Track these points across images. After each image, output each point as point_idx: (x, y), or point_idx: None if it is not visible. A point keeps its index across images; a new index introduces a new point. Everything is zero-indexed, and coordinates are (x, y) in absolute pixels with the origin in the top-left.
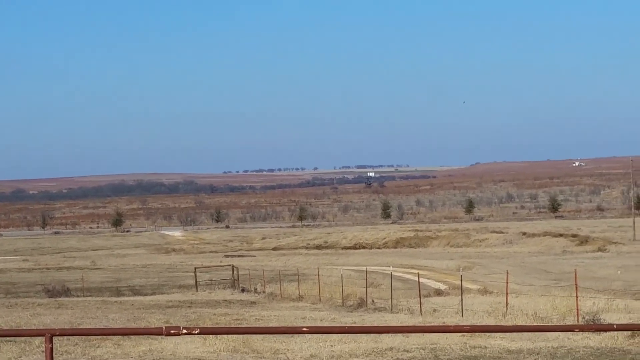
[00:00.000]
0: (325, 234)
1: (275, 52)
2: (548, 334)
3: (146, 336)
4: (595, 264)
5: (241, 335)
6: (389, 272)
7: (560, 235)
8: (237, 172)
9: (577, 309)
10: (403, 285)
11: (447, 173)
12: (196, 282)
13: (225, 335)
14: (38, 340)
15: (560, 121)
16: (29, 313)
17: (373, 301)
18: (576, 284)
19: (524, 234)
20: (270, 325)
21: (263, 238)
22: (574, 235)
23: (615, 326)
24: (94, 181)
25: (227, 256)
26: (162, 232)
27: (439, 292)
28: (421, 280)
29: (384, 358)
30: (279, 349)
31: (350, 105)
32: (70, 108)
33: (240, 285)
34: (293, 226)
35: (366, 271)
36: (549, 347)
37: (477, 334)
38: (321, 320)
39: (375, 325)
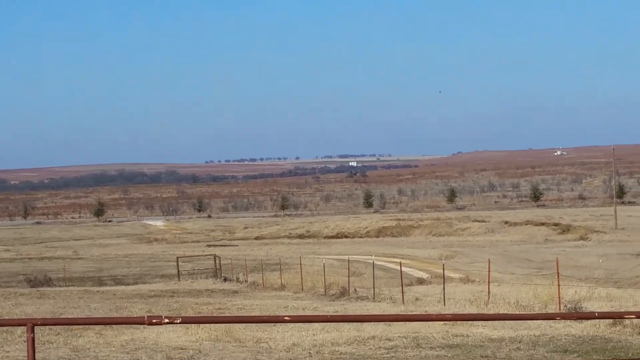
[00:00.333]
0: (308, 223)
1: (256, 42)
2: (530, 322)
3: (128, 326)
4: (577, 253)
5: (223, 325)
6: (371, 261)
7: (542, 224)
8: (219, 161)
9: (559, 298)
10: (385, 274)
11: (429, 162)
12: (178, 271)
13: (207, 325)
14: (20, 330)
15: (542, 110)
16: (10, 303)
17: (355, 290)
18: (558, 273)
19: (506, 222)
20: (253, 314)
21: (245, 227)
22: (556, 224)
23: (596, 314)
24: (76, 171)
25: (209, 246)
26: (144, 221)
27: (421, 281)
28: (403, 269)
29: (367, 347)
30: (261, 337)
31: (332, 95)
32: (52, 98)
33: (223, 274)
34: (275, 215)
35: (348, 260)
36: (530, 335)
37: (459, 322)
38: (303, 309)
39: (358, 314)
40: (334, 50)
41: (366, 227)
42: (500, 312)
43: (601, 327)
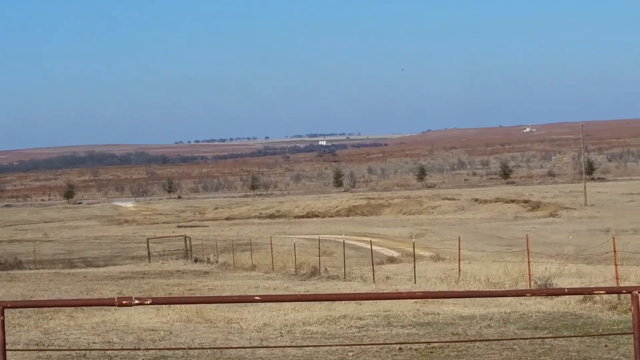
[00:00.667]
0: (278, 203)
1: (225, 20)
2: (500, 299)
3: (99, 308)
4: (547, 229)
5: (194, 305)
6: (342, 241)
7: (512, 201)
8: (189, 142)
9: (529, 274)
10: (356, 253)
11: (399, 141)
12: (149, 253)
13: (178, 306)
14: None
15: (511, 88)
16: None
17: (326, 269)
18: (528, 250)
19: (476, 200)
20: (224, 295)
21: (215, 208)
22: (526, 201)
23: (566, 290)
24: (45, 153)
25: (179, 227)
26: (114, 203)
27: (391, 260)
28: (374, 248)
29: (338, 326)
30: (232, 318)
31: (301, 74)
32: (19, 80)
33: (193, 255)
34: (245, 196)
35: (319, 240)
36: (501, 312)
37: (430, 300)
38: (274, 289)
39: (329, 293)
40: (301, 28)
41: (336, 207)
42: (471, 290)
43: (571, 304)
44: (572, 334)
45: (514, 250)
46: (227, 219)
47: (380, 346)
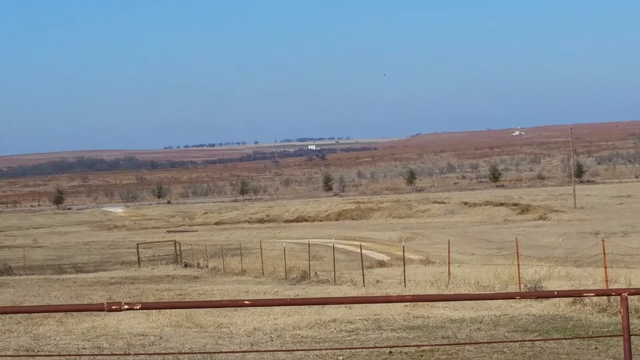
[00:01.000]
0: (268, 207)
1: (213, 25)
2: (490, 302)
3: (89, 313)
4: (537, 232)
5: (184, 310)
6: (332, 245)
7: (502, 204)
8: (178, 147)
9: (519, 277)
10: (346, 257)
11: (388, 145)
12: (139, 258)
13: (168, 310)
14: None
15: (500, 91)
16: None
17: (316, 274)
18: (518, 253)
19: (466, 204)
20: (214, 299)
21: (205, 213)
22: (515, 204)
23: (556, 293)
24: (34, 159)
25: (169, 232)
26: (103, 208)
27: (381, 264)
28: (364, 251)
29: (328, 330)
30: (222, 323)
31: (290, 79)
32: (8, 86)
33: (183, 260)
34: (235, 200)
35: (309, 244)
36: (491, 315)
37: (420, 304)
38: (264, 293)
39: (319, 297)
40: (290, 33)
41: (326, 211)
42: (461, 293)
43: (561, 306)
44: (562, 337)
45: (504, 253)
46: (216, 223)
47: (371, 350)
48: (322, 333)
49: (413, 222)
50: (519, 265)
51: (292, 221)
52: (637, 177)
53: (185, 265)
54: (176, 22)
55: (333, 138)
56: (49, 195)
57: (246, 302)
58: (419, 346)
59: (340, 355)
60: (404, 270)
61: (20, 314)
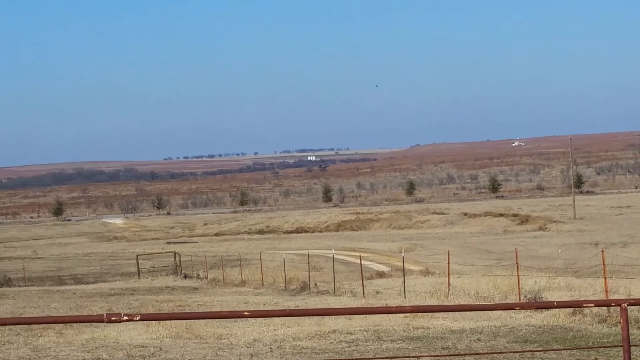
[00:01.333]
0: (267, 218)
1: (211, 36)
2: (490, 313)
3: (89, 324)
4: (536, 243)
5: (184, 321)
6: (331, 256)
7: (501, 215)
8: (178, 158)
9: (519, 288)
10: (345, 268)
11: (388, 155)
12: (138, 269)
13: (168, 322)
14: None
15: (500, 102)
16: None
17: (316, 284)
18: (517, 263)
19: (465, 214)
20: (213, 310)
21: (205, 224)
22: (515, 215)
23: (555, 303)
24: (34, 170)
25: (169, 243)
26: (103, 220)
27: (381, 274)
28: (363, 262)
29: (327, 341)
30: (222, 334)
31: (290, 89)
32: (8, 97)
33: (183, 271)
34: (235, 211)
35: (308, 255)
36: (491, 326)
37: (419, 314)
38: (264, 304)
39: (318, 308)
40: (288, 44)
41: (326, 222)
42: (461, 304)
43: (561, 317)
44: (562, 347)
45: (504, 264)
46: (216, 234)
47: None
48: (322, 344)
49: (413, 233)
50: (518, 276)
51: (292, 232)
52: (636, 188)
53: (185, 277)
54: (176, 34)
55: (332, 149)
56: (48, 206)
57: (246, 313)
58: (419, 357)
59: None
60: (404, 281)
61: (19, 325)
